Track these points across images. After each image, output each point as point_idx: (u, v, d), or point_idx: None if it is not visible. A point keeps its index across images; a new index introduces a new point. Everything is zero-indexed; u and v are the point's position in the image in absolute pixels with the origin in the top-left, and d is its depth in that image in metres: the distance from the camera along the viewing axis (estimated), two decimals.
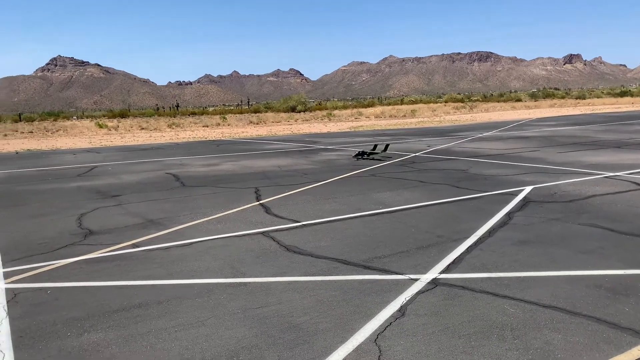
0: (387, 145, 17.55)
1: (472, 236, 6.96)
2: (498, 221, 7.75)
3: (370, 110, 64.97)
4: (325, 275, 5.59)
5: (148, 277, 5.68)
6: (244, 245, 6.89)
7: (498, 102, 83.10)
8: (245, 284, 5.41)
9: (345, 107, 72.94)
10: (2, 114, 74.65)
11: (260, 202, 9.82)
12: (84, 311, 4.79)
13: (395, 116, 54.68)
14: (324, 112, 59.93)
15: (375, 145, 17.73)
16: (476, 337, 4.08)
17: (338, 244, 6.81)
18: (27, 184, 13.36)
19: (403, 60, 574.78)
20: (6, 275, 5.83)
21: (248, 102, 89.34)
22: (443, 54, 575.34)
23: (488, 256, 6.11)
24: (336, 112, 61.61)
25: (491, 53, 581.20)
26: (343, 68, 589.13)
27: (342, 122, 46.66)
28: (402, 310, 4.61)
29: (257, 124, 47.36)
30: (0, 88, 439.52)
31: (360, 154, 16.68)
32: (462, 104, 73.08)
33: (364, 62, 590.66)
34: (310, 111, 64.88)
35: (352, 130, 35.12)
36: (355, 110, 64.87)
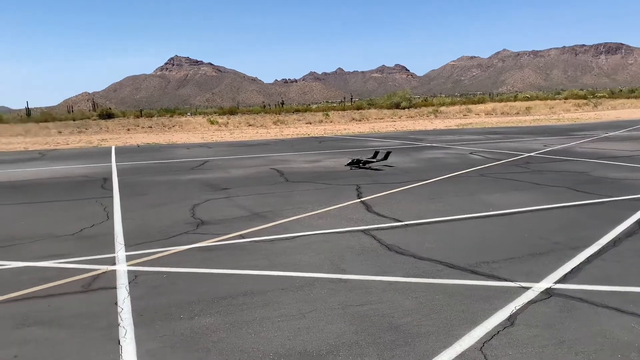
0: (387, 154, 14.81)
1: (594, 245, 6.34)
2: (625, 230, 6.99)
3: (480, 107, 62.27)
4: (428, 278, 5.41)
5: (253, 267, 5.90)
6: (344, 242, 6.90)
7: (628, 98, 75.27)
8: (345, 280, 5.41)
9: (452, 104, 70.60)
10: (126, 110, 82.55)
11: (362, 199, 9.79)
12: (195, 296, 5.09)
13: (507, 113, 51.90)
14: (430, 109, 58.55)
15: (376, 153, 15.12)
16: (596, 356, 3.70)
17: (442, 246, 6.57)
18: (148, 175, 14.57)
19: (518, 54, 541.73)
20: (128, 259, 6.38)
21: (351, 98, 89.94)
22: (564, 47, 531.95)
23: (612, 267, 5.53)
24: (443, 108, 59.93)
25: (621, 44, 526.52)
26: (452, 63, 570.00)
27: (449, 119, 45.25)
28: (511, 320, 4.32)
29: (360, 120, 47.50)
30: (124, 86, 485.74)
31: (355, 163, 14.32)
32: (584, 101, 67.36)
33: (474, 57, 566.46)
34: (415, 108, 63.68)
35: (460, 127, 33.89)
36: (463, 106, 62.56)
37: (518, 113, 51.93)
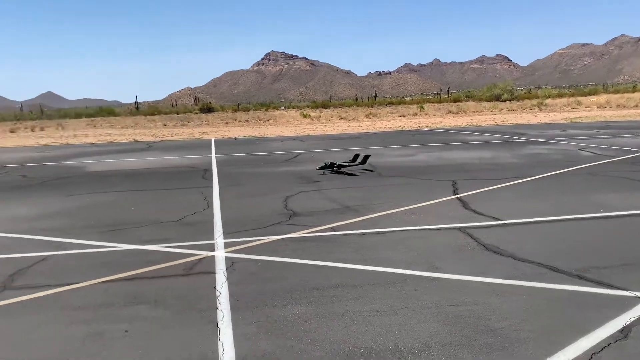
0: (366, 157, 13.29)
1: None
2: None
3: (591, 99, 57.56)
4: (529, 281, 5.08)
5: (344, 260, 5.91)
6: (439, 239, 6.69)
7: None
8: (438, 279, 5.24)
9: (560, 96, 65.99)
10: (225, 104, 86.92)
11: (457, 195, 9.43)
12: (287, 285, 5.20)
13: (624, 106, 47.44)
14: (534, 101, 55.20)
15: (356, 156, 13.45)
16: None
17: (546, 248, 6.13)
18: (244, 166, 15.17)
19: (639, 39, 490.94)
20: (226, 246, 6.68)
21: (448, 90, 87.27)
22: None
23: None
24: (549, 101, 56.25)
25: None
26: (560, 51, 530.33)
27: (556, 112, 42.31)
28: (624, 332, 3.93)
29: (457, 113, 45.90)
30: (223, 82, 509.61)
31: (329, 167, 12.85)
32: None
33: (586, 44, 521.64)
34: (518, 100, 60.43)
35: (568, 121, 31.55)
36: (572, 98, 58.22)
37: (637, 106, 47.24)
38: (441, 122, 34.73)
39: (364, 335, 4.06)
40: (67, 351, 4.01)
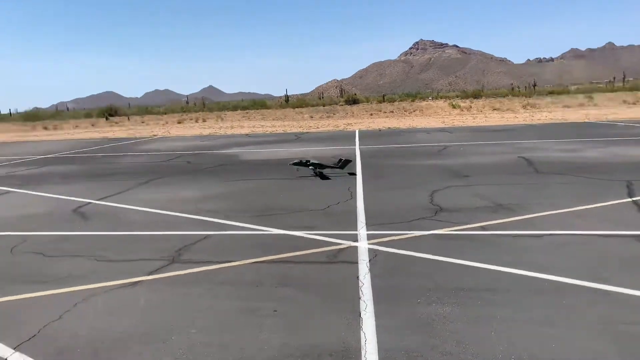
0: (346, 162, 12.25)
1: None
2: None
3: None
4: None
5: (495, 262, 5.51)
6: (608, 247, 5.90)
7: None
8: (607, 292, 4.61)
9: None
10: (370, 95, 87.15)
11: (633, 199, 8.23)
12: (432, 282, 5.01)
13: None
14: None
15: (340, 160, 12.40)
16: None
17: None
18: (388, 158, 15.07)
19: None
20: (369, 237, 6.67)
21: (623, 78, 76.91)
22: None
23: None
24: None
25: None
26: None
27: None
28: None
29: (634, 104, 40.26)
30: (370, 72, 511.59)
31: (304, 164, 12.07)
32: None
33: None
34: None
35: None
36: None
37: None
38: (614, 114, 30.72)
39: (515, 345, 3.73)
40: (223, 323, 4.35)
